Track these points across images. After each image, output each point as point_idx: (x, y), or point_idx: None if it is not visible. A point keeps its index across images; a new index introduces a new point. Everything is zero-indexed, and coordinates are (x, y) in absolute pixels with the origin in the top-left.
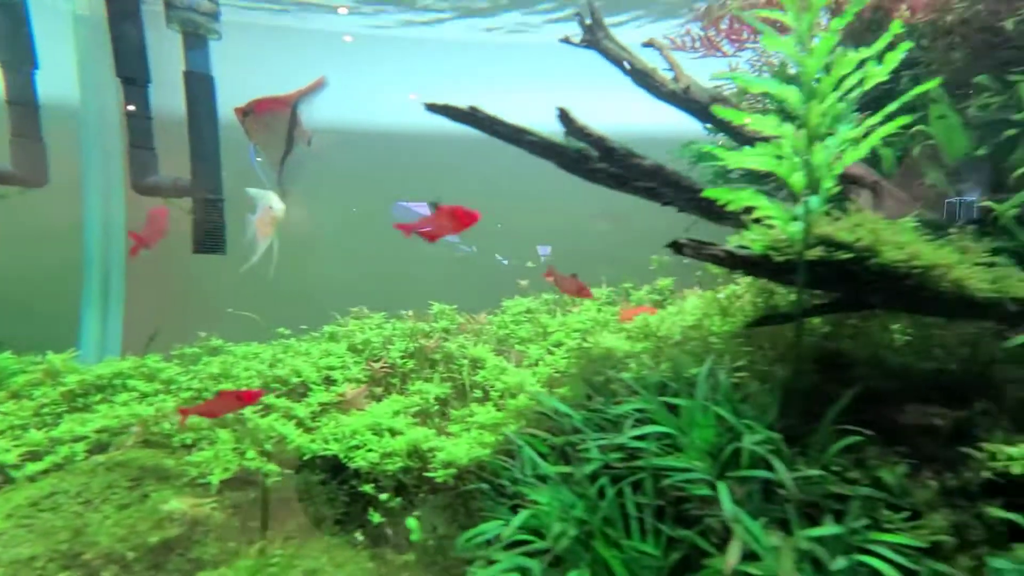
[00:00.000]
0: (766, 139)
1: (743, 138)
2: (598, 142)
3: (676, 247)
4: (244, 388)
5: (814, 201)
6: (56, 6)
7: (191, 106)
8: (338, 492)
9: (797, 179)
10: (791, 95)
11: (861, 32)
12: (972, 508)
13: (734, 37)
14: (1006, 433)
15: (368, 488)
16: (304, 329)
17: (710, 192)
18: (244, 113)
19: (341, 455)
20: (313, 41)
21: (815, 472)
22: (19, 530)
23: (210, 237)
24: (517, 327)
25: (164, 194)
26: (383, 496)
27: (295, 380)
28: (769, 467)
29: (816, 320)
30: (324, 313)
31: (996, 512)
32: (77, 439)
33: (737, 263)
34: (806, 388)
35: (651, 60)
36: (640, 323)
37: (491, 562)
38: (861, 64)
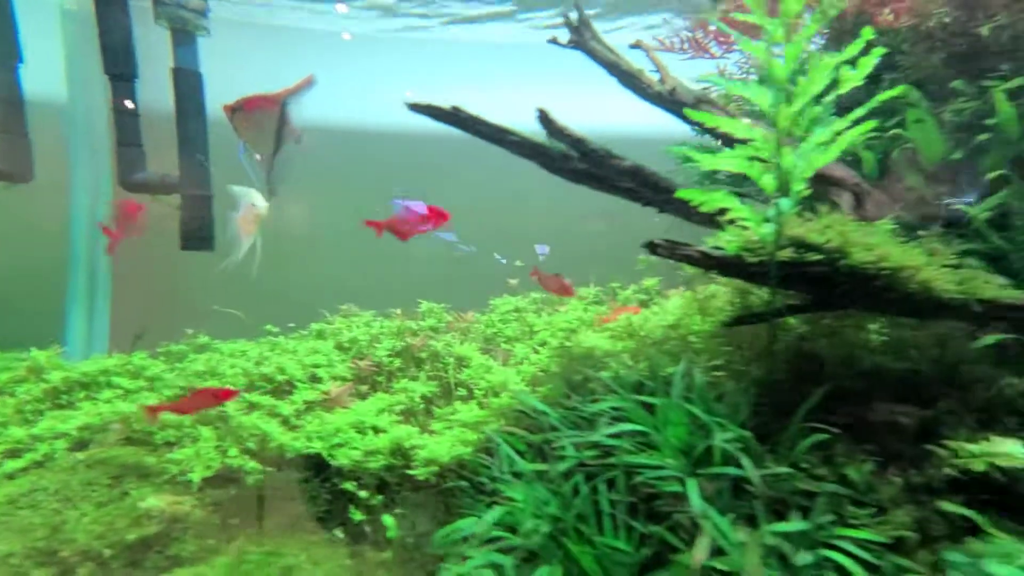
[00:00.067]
0: (745, 141)
1: (727, 140)
2: (577, 143)
3: (651, 247)
4: (229, 386)
5: (785, 203)
6: (43, 1)
7: (179, 103)
8: (320, 490)
9: (768, 181)
10: (762, 98)
11: (844, 35)
12: (935, 504)
13: (722, 39)
14: (970, 431)
15: (350, 486)
16: (292, 327)
17: (683, 193)
18: (233, 110)
19: (324, 453)
20: (306, 40)
21: (783, 469)
22: None
23: (198, 234)
24: (504, 326)
25: (152, 191)
26: (363, 494)
27: (280, 378)
28: (740, 464)
29: (793, 320)
30: (314, 311)
31: (948, 507)
32: (58, 436)
33: (711, 264)
34: (779, 387)
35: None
36: (623, 323)
37: (466, 558)
38: (837, 68)
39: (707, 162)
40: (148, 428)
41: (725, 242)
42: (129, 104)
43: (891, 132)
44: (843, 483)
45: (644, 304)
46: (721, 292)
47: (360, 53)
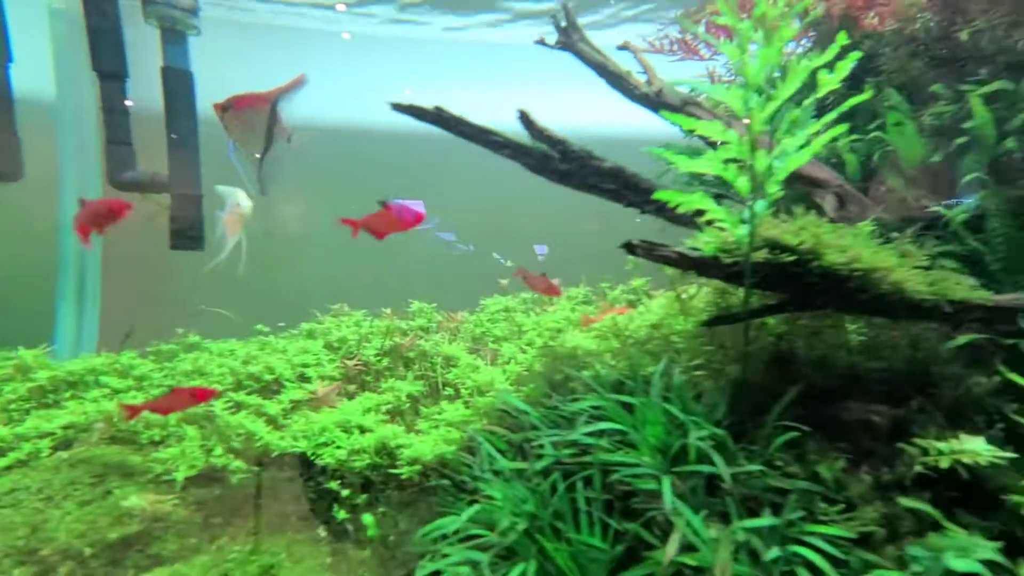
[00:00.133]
0: (721, 144)
1: (712, 141)
2: (558, 144)
3: (629, 248)
4: (216, 386)
5: (759, 205)
6: None
7: (169, 102)
8: (304, 489)
9: (743, 183)
10: (735, 101)
11: (830, 38)
12: (913, 502)
13: (715, 42)
14: (939, 429)
15: (334, 485)
16: (282, 327)
17: (660, 194)
18: (223, 109)
19: (309, 452)
20: (302, 39)
21: (756, 467)
22: None
23: (188, 233)
24: (493, 325)
25: (142, 189)
26: (346, 493)
27: (268, 377)
28: (714, 462)
29: (772, 320)
30: (306, 310)
31: (907, 503)
32: (43, 435)
33: (688, 264)
34: (757, 386)
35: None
36: (608, 323)
37: (444, 556)
38: (814, 72)
39: (684, 164)
40: (134, 427)
41: (703, 243)
42: (118, 102)
43: (871, 135)
44: (815, 480)
45: (632, 304)
46: (703, 292)
47: (358, 52)
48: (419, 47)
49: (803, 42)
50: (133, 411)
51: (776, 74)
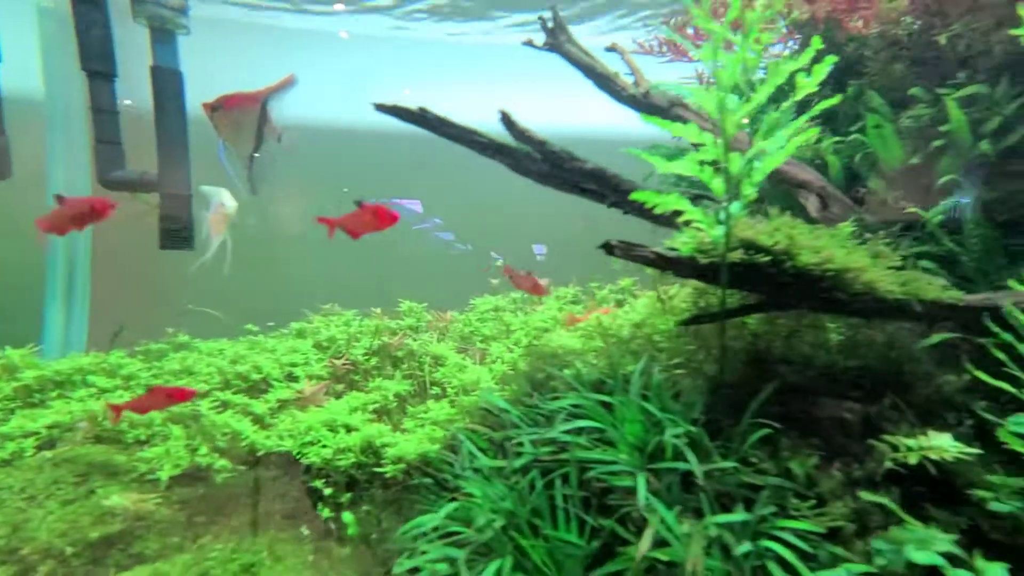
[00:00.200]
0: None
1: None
2: (539, 145)
3: (607, 248)
4: (203, 385)
5: (735, 206)
6: None
7: (158, 101)
8: (289, 488)
9: (718, 185)
10: (709, 104)
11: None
12: (874, 496)
13: (699, 43)
14: (911, 426)
15: (319, 483)
16: (271, 326)
17: (637, 195)
18: (213, 109)
19: (294, 451)
20: (299, 39)
21: (729, 464)
22: None
23: (177, 233)
24: (482, 325)
25: (131, 189)
26: (329, 491)
27: (255, 377)
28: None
29: (752, 320)
30: (297, 310)
31: (867, 496)
32: (27, 435)
33: (666, 264)
34: (735, 384)
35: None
36: (593, 322)
37: (423, 553)
38: (792, 75)
39: (662, 166)
40: (119, 427)
41: (680, 244)
42: (107, 102)
43: (851, 137)
44: (787, 477)
45: (620, 303)
46: (684, 292)
47: (356, 52)
48: (419, 47)
49: (790, 44)
50: (118, 411)
51: (758, 77)
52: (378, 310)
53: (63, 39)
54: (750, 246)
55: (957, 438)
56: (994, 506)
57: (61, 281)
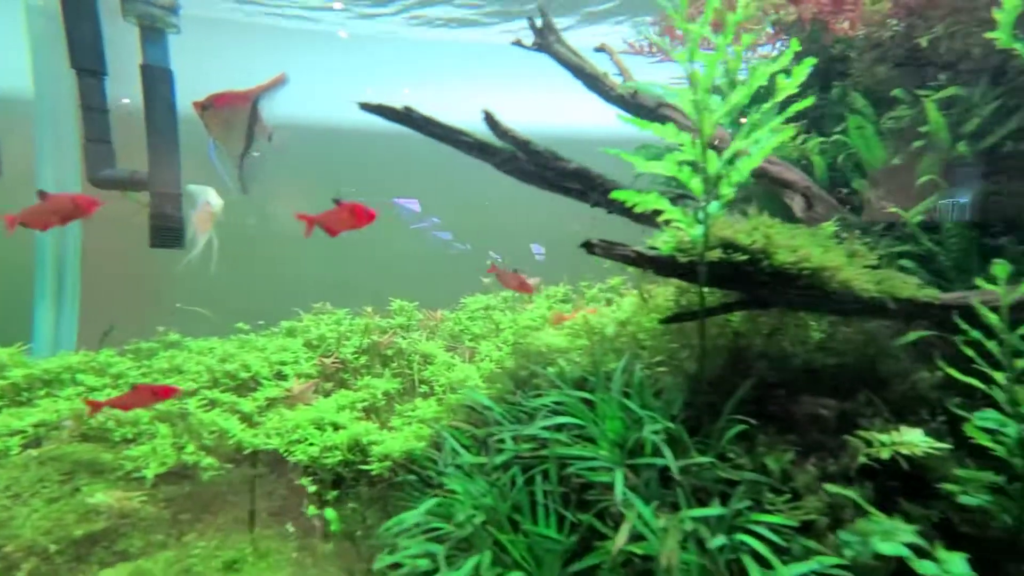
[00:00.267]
0: (713, 144)
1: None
2: (523, 145)
3: (588, 247)
4: (190, 384)
5: (713, 206)
6: None
7: (148, 100)
8: (276, 485)
9: (696, 185)
10: (687, 105)
11: (803, 42)
12: (851, 491)
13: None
14: (885, 422)
15: (305, 481)
16: (262, 324)
17: (617, 194)
18: (203, 107)
19: (281, 449)
20: (297, 39)
21: (706, 459)
22: None
23: (167, 232)
24: (472, 323)
25: (121, 187)
26: (313, 488)
27: (244, 375)
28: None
29: (735, 318)
30: (289, 309)
31: (833, 489)
32: (13, 433)
33: (646, 263)
34: (716, 382)
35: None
36: (580, 321)
37: (405, 548)
38: (772, 77)
39: (641, 165)
40: (106, 425)
41: (661, 242)
42: (97, 100)
43: (833, 138)
44: (763, 472)
45: (609, 302)
46: (668, 291)
47: (354, 51)
48: (419, 47)
49: (779, 46)
50: (96, 407)
51: (741, 78)
52: (369, 309)
53: (53, 37)
54: (728, 245)
55: (929, 434)
56: (963, 500)
57: (51, 280)
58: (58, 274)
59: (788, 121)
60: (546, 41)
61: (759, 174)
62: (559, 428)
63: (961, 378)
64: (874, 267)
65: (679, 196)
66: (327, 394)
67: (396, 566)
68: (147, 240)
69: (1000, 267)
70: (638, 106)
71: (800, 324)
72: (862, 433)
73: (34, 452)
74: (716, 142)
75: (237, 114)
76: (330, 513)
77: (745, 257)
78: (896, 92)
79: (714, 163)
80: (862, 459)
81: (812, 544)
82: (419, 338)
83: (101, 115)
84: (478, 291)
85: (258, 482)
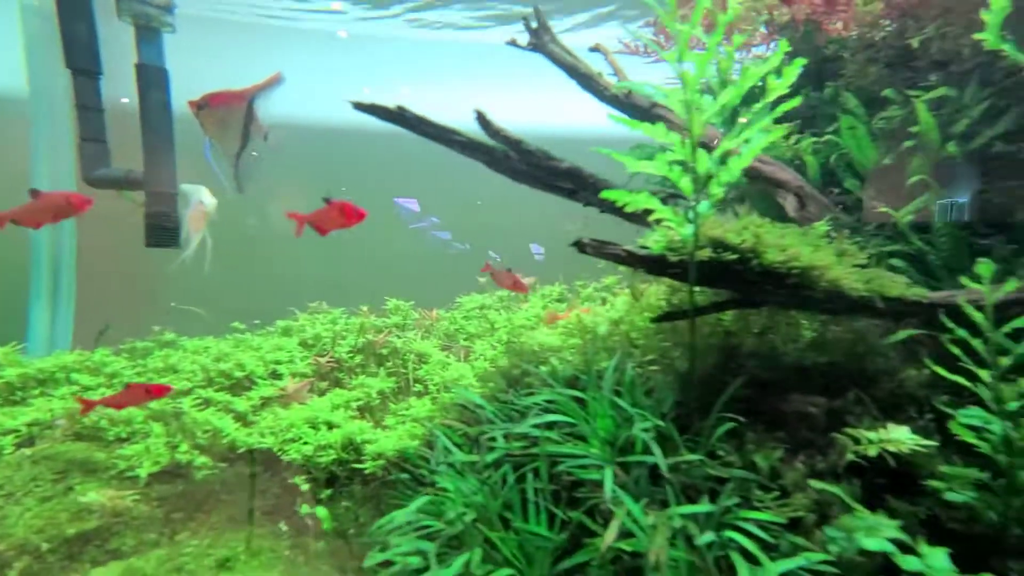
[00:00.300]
0: (704, 144)
1: None
2: (515, 144)
3: (579, 246)
4: (185, 383)
5: (703, 206)
6: None
7: (143, 99)
8: (270, 484)
9: (686, 184)
10: (676, 105)
11: (797, 42)
12: (837, 487)
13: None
14: (873, 420)
15: (299, 480)
16: (257, 324)
17: (607, 194)
18: (198, 107)
19: (275, 448)
20: (296, 38)
21: (695, 457)
22: None
23: (163, 231)
24: (467, 323)
25: (116, 187)
26: (307, 487)
27: (239, 374)
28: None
29: (727, 316)
30: (285, 308)
31: (817, 485)
32: (6, 432)
33: (637, 262)
34: (707, 380)
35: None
36: (574, 320)
37: (397, 546)
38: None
39: (632, 165)
40: (100, 424)
41: (652, 242)
42: (92, 99)
43: (825, 138)
44: (752, 469)
45: (604, 301)
46: (660, 290)
47: (354, 51)
48: (418, 47)
49: (772, 46)
50: (88, 405)
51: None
52: (365, 308)
53: (48, 36)
54: (718, 244)
55: (916, 431)
56: (949, 496)
57: (46, 279)
58: (54, 273)
59: (781, 121)
60: (541, 41)
61: (753, 174)
62: (550, 426)
63: (948, 376)
64: (863, 266)
65: (671, 196)
66: (322, 393)
67: (388, 564)
68: (143, 239)
69: (984, 266)
70: (633, 106)
71: (792, 323)
72: (850, 431)
73: (27, 451)
74: (715, 142)
75: (233, 113)
76: (321, 511)
77: (735, 256)
78: (887, 92)
79: (704, 163)
80: (850, 456)
81: (800, 540)
82: (414, 337)
83: (96, 114)
84: (474, 291)
85: (251, 481)
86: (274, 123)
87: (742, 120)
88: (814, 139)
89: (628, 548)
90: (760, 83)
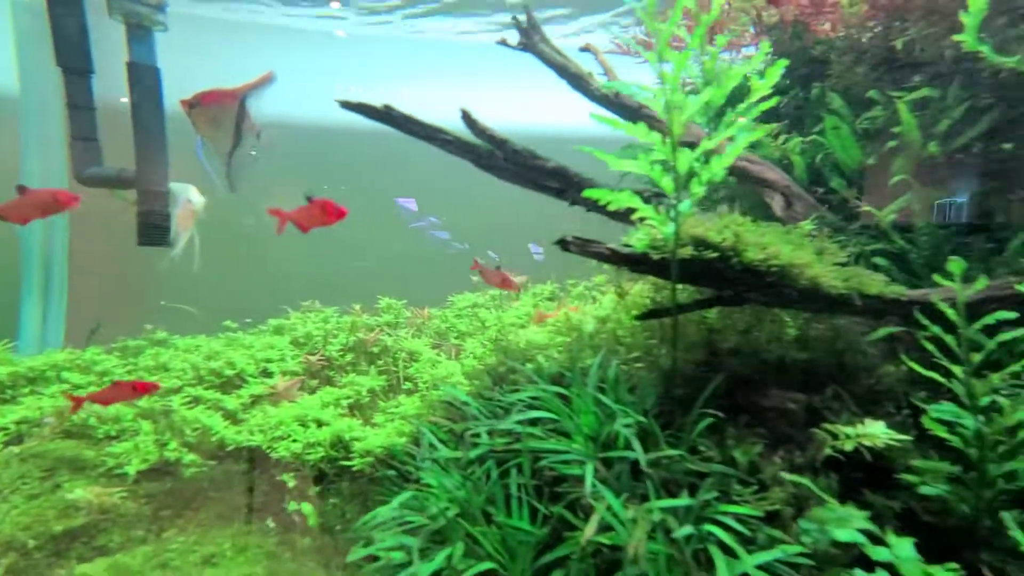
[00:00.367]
0: (688, 143)
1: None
2: (501, 143)
3: (562, 244)
4: (175, 381)
5: (684, 204)
6: None
7: (135, 97)
8: (258, 482)
9: (667, 183)
10: (657, 105)
11: (785, 43)
12: (815, 482)
13: (675, 44)
14: (852, 415)
15: (287, 477)
16: (249, 322)
17: (590, 192)
18: (190, 106)
19: (264, 445)
20: (295, 38)
21: (675, 452)
22: None
23: (154, 230)
24: (458, 321)
25: (108, 186)
26: (293, 483)
27: (229, 372)
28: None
29: (711, 314)
30: (278, 307)
31: (791, 479)
32: None
33: (620, 260)
34: (690, 376)
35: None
36: (562, 318)
37: (380, 541)
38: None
39: (614, 163)
40: (89, 422)
41: (635, 240)
42: (83, 98)
43: (810, 138)
44: (731, 464)
45: (594, 300)
46: (645, 288)
47: (353, 51)
48: (416, 47)
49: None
50: (77, 402)
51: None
52: (357, 307)
53: (38, 34)
54: (699, 243)
55: (893, 426)
56: (923, 490)
57: (38, 278)
58: (45, 272)
59: (769, 121)
60: (531, 40)
61: (741, 174)
62: (534, 422)
63: (923, 372)
64: (843, 264)
65: (655, 195)
66: (312, 391)
67: (372, 559)
68: (135, 238)
69: (955, 264)
70: (622, 106)
71: (776, 321)
72: (828, 426)
73: (16, 449)
74: (710, 143)
75: (225, 112)
76: (307, 508)
77: (716, 254)
78: (872, 93)
79: (685, 162)
80: (828, 451)
81: (777, 533)
82: (406, 336)
83: (87, 113)
84: (467, 289)
85: (240, 478)
86: (272, 122)
87: (736, 119)
88: (801, 139)
89: (608, 542)
90: (746, 83)
